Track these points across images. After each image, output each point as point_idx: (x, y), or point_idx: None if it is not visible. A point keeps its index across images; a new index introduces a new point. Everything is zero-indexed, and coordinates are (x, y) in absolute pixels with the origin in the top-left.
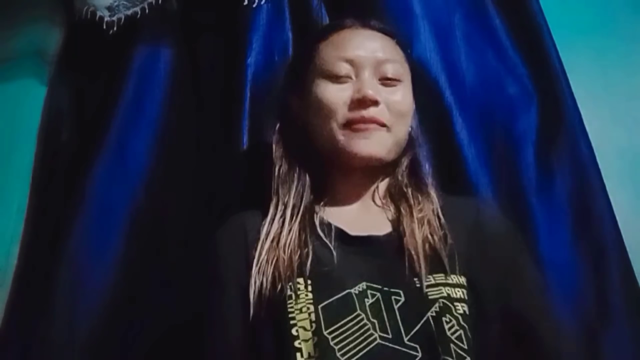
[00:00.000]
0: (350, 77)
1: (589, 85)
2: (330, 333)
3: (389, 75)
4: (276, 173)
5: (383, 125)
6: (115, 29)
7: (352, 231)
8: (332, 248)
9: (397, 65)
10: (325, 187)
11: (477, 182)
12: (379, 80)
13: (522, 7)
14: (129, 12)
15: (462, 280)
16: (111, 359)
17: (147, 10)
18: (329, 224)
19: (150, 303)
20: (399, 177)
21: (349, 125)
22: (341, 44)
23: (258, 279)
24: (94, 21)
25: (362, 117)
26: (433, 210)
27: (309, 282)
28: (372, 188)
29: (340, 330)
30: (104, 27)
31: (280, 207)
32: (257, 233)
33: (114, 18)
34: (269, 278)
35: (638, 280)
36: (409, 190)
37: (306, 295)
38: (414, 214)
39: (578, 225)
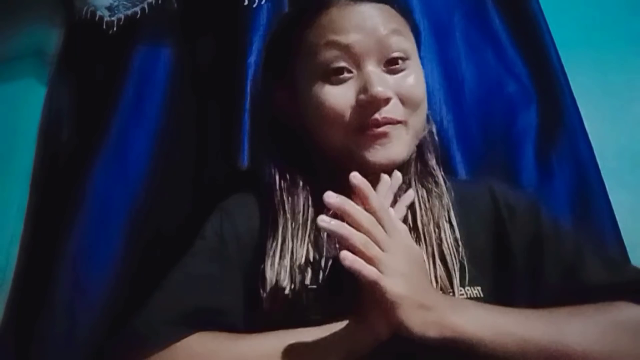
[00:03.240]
0: (351, 71)
1: (589, 86)
2: None
3: (395, 54)
4: (278, 186)
5: (399, 122)
6: (115, 29)
7: None
8: None
9: (401, 39)
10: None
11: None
12: (385, 66)
13: (522, 7)
14: (129, 12)
15: (476, 291)
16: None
17: (147, 10)
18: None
19: None
20: (409, 177)
21: (361, 130)
22: (330, 28)
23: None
24: (94, 21)
25: (375, 121)
26: (445, 209)
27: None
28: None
29: None
30: (104, 27)
31: (289, 224)
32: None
33: (114, 18)
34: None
35: None
36: (419, 193)
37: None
38: (421, 222)
39: (578, 225)
